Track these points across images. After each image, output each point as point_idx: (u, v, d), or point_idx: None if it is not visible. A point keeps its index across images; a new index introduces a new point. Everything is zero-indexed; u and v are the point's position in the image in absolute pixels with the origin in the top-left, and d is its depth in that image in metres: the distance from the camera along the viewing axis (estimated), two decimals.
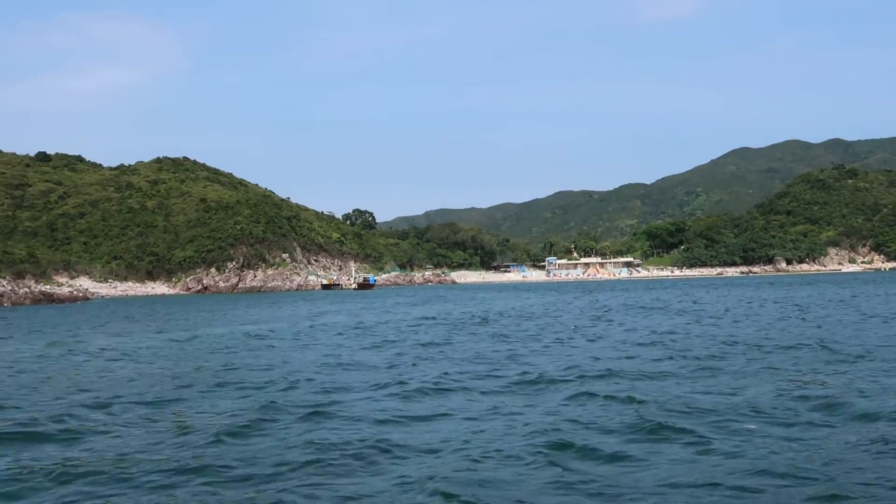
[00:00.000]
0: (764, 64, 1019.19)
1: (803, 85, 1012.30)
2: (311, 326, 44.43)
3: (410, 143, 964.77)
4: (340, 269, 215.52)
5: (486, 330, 39.09)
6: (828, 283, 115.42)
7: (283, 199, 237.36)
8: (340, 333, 39.21)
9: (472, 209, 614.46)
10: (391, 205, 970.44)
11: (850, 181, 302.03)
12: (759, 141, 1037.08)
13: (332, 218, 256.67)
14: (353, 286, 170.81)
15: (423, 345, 30.23)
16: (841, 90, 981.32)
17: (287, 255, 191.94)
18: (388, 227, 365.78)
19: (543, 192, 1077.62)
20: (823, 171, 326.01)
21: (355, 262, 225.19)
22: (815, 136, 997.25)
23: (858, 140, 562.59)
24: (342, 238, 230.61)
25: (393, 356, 26.77)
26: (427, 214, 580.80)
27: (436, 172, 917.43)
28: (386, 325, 44.98)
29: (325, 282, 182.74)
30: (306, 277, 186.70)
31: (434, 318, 50.45)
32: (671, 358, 23.99)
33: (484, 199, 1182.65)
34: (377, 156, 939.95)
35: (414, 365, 24.03)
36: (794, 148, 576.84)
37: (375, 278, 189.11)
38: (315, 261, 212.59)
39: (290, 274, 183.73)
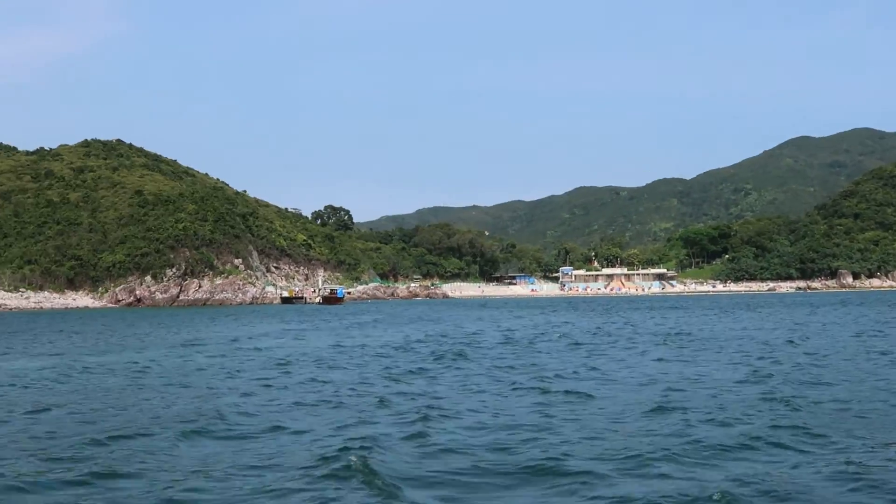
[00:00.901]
0: (828, 37, 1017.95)
1: (876, 62, 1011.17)
2: (182, 357, 41.42)
3: (401, 128, 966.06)
4: (307, 279, 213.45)
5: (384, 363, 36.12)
6: None
7: (237, 193, 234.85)
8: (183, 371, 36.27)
9: (474, 208, 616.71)
10: (375, 202, 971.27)
11: None
12: (822, 129, 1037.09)
13: (298, 216, 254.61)
14: (318, 300, 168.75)
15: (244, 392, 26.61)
16: None
17: (240, 260, 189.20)
18: (371, 228, 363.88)
19: (560, 187, 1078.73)
20: None
21: (325, 270, 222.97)
22: (891, 123, 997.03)
23: None
24: (310, 241, 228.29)
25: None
26: (419, 213, 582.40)
27: (431, 163, 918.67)
28: (277, 356, 41.50)
29: (285, 294, 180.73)
30: (263, 288, 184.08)
31: (360, 345, 47.11)
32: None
33: (488, 195, 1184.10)
34: (359, 142, 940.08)
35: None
36: (865, 137, 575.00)
37: (345, 290, 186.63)
38: (275, 268, 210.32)
39: (244, 284, 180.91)
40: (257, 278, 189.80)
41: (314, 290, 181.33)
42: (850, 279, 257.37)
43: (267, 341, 53.54)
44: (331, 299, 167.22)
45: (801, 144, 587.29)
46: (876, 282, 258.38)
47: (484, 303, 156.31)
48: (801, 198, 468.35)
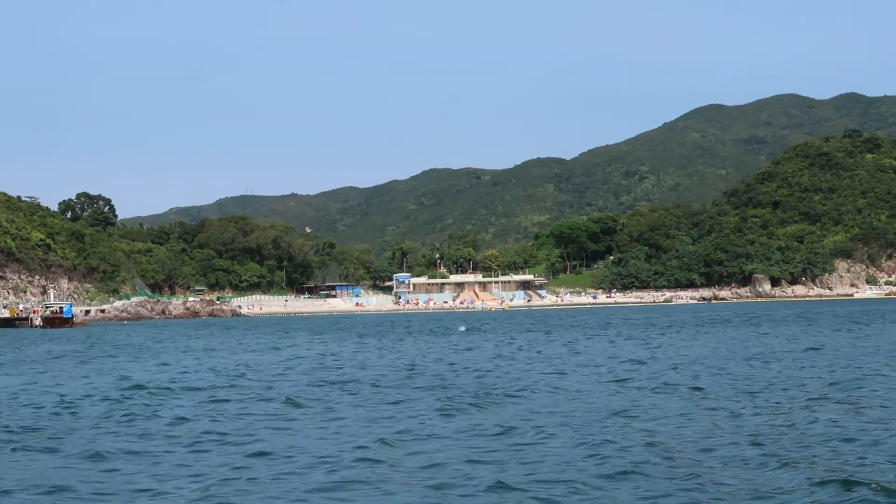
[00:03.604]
0: None
1: (805, 17, 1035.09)
2: None
3: (192, 93, 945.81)
4: (44, 293, 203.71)
5: None
6: (824, 319, 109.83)
7: None
8: None
9: (293, 197, 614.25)
10: (161, 190, 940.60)
11: (869, 156, 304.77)
12: (737, 95, 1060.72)
13: (35, 207, 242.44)
14: (38, 322, 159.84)
15: None
16: (859, 25, 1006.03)
17: None
18: (157, 223, 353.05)
19: (404, 171, 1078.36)
20: (830, 139, 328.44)
21: (71, 279, 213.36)
22: (821, 89, 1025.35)
23: (884, 95, 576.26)
24: (49, 240, 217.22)
25: None
26: (220, 204, 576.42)
27: (235, 140, 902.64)
28: None
29: (5, 314, 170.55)
30: None
31: None
32: None
33: (311, 181, 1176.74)
34: (133, 110, 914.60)
35: None
36: (790, 105, 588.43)
37: (78, 309, 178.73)
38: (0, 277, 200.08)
39: None
40: None
41: (45, 309, 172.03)
42: (767, 286, 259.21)
43: None
44: (54, 321, 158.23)
45: (711, 114, 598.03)
46: (800, 289, 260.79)
47: (288, 325, 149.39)
48: (710, 182, 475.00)
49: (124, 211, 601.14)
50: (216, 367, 57.32)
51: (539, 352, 64.21)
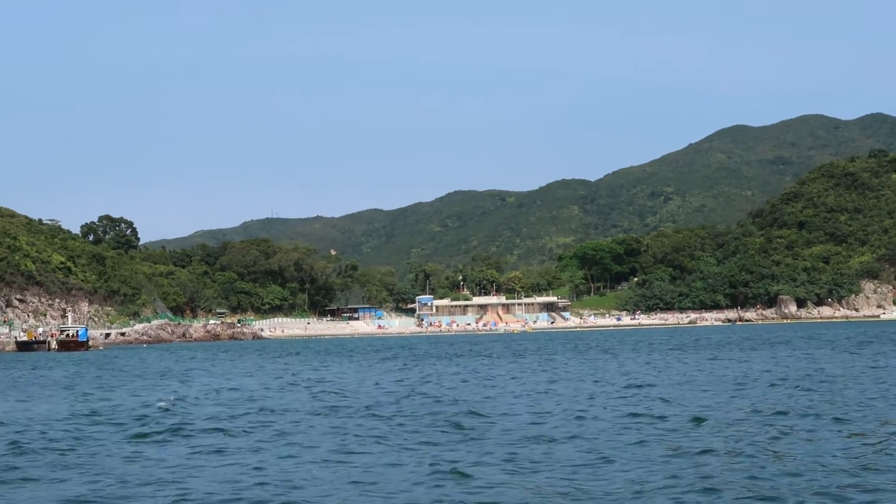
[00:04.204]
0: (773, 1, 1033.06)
1: (829, 32, 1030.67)
2: None
3: (215, 113, 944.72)
4: (64, 316, 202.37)
5: None
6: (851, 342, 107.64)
7: None
8: None
9: (318, 219, 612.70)
10: (187, 213, 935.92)
11: (895, 176, 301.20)
12: (763, 116, 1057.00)
13: (56, 230, 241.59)
14: (54, 346, 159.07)
15: None
16: (882, 42, 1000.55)
17: None
18: (182, 246, 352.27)
19: (429, 193, 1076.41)
20: (856, 160, 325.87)
21: (91, 302, 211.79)
22: (847, 109, 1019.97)
23: None
24: (70, 263, 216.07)
25: None
26: (245, 227, 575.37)
27: (260, 162, 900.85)
28: None
29: (23, 337, 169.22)
30: None
31: None
32: None
33: (336, 204, 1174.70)
34: (158, 133, 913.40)
35: None
36: (815, 126, 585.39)
37: (97, 332, 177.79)
38: (19, 301, 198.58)
39: None
40: None
41: (61, 332, 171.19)
42: (793, 307, 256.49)
43: None
44: (69, 344, 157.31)
45: (736, 135, 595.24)
46: (826, 310, 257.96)
47: (301, 348, 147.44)
48: (735, 203, 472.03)
49: (150, 234, 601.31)
50: (179, 395, 54.72)
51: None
